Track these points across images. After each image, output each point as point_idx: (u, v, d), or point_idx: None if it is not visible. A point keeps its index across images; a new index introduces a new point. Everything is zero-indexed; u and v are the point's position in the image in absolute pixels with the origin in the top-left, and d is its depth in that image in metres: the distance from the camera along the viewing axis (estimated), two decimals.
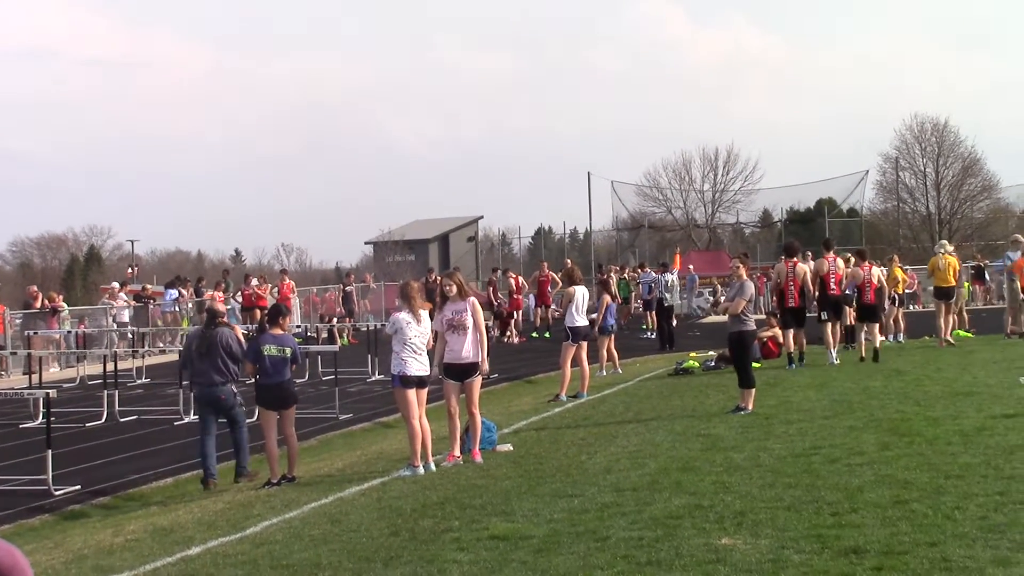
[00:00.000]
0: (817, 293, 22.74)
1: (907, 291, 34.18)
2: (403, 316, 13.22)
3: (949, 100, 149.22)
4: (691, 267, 50.95)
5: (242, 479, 14.69)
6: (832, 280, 22.85)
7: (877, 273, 23.65)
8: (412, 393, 13.13)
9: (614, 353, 24.59)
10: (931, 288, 27.79)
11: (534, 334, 37.50)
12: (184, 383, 20.96)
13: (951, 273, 25.73)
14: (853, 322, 24.46)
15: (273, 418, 14.15)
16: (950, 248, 27.21)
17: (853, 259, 24.20)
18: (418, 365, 13.19)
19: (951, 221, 76.68)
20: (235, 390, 14.96)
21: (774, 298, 24.13)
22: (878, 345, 22.61)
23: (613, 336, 24.32)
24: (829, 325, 22.61)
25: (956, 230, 74.01)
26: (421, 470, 12.95)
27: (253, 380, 14.47)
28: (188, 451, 17.46)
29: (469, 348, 13.47)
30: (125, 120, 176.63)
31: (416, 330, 13.21)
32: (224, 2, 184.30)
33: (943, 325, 25.57)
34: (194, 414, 14.93)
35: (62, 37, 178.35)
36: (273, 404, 14.19)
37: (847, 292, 23.09)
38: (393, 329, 13.23)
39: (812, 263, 24.13)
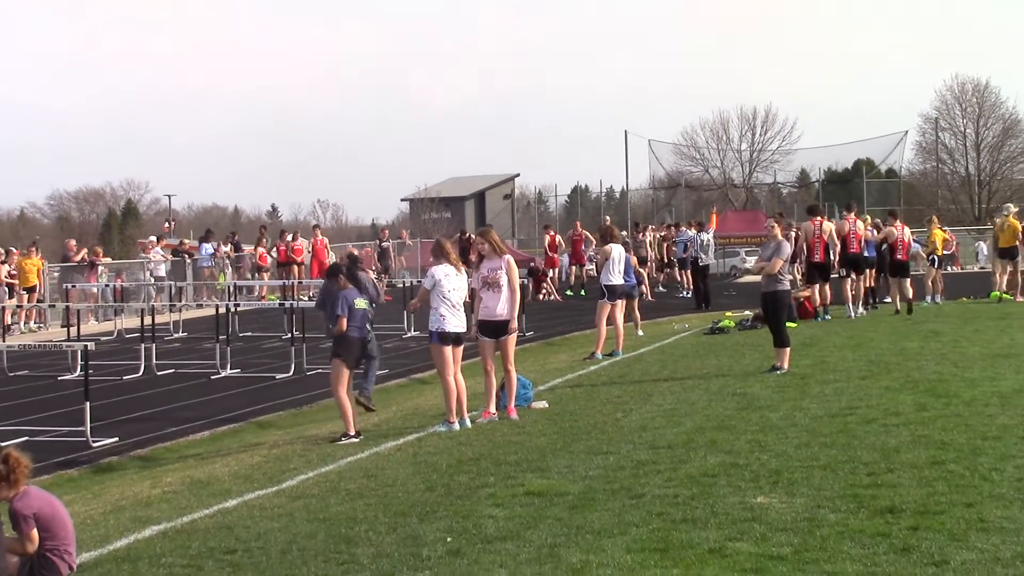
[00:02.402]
0: (838, 251, 24.09)
1: (946, 252, 33.98)
2: (440, 268, 13.16)
3: (990, 58, 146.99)
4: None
5: (364, 399, 15.14)
6: (853, 239, 24.20)
7: (908, 233, 25.51)
8: (449, 350, 13.12)
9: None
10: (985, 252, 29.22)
11: (568, 292, 37.55)
12: (222, 337, 21.15)
13: (1011, 234, 27.01)
14: (873, 283, 26.31)
15: (347, 375, 13.89)
16: (1015, 210, 28.40)
17: (881, 222, 25.37)
18: (456, 321, 13.14)
19: (991, 182, 75.97)
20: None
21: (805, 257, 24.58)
22: (911, 297, 24.27)
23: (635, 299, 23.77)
24: (849, 281, 24.18)
25: (996, 191, 73.35)
26: (456, 426, 12.98)
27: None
28: (225, 404, 17.62)
29: (504, 306, 13.41)
30: (162, 75, 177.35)
31: (455, 282, 13.16)
32: None
33: (1000, 280, 26.95)
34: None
35: None
36: (355, 361, 14.13)
37: (865, 255, 24.72)
38: (431, 283, 13.19)
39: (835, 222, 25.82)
